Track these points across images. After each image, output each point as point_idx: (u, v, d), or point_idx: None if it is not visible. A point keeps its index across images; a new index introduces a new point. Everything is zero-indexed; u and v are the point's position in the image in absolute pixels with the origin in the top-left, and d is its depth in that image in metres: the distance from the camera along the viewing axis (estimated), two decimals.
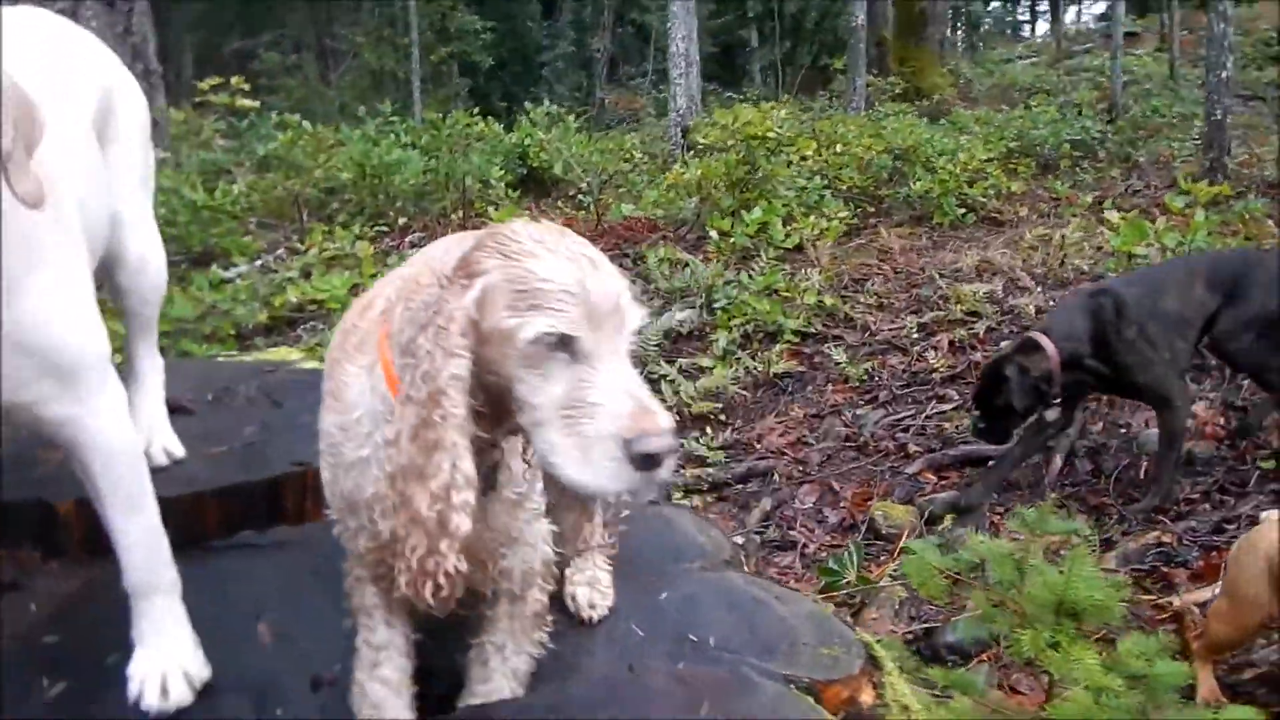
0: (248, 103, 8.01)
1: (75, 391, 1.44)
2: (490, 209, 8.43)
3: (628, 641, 1.75)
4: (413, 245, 7.89)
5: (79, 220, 1.55)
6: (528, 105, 10.67)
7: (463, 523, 1.17)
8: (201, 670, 1.57)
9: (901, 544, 3.62)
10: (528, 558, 1.44)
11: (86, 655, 1.61)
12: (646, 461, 1.10)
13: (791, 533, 4.11)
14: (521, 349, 1.14)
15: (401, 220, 8.42)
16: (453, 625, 1.46)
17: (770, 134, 7.75)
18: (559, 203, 8.91)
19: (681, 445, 1.21)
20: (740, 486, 4.44)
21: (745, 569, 2.07)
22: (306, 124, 8.43)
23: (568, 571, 1.81)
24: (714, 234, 7.09)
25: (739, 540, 4.04)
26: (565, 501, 1.45)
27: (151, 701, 1.51)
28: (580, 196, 8.80)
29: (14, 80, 1.30)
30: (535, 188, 9.49)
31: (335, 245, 6.84)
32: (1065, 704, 1.98)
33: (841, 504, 4.30)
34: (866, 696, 1.80)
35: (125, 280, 2.00)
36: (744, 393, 5.10)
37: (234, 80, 7.95)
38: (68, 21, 1.98)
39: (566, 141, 9.58)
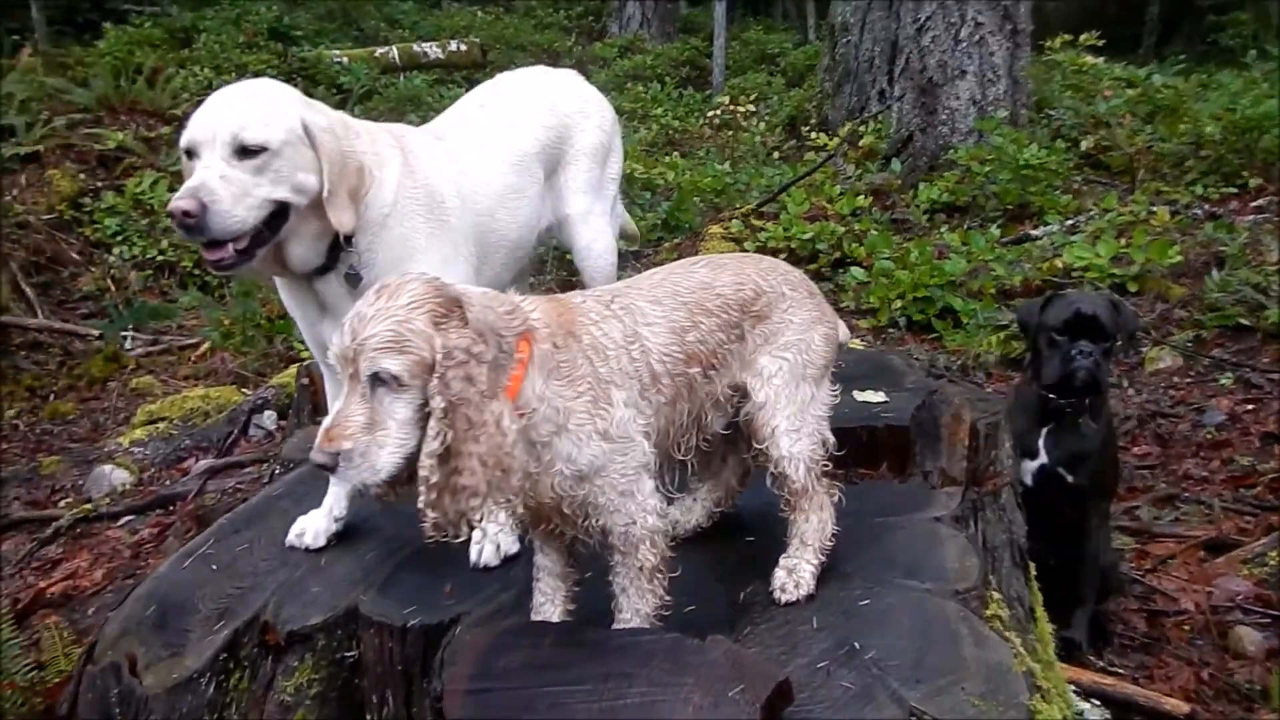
0: (1089, 59, 7.98)
1: None
2: None
3: (796, 627, 1.97)
4: (1257, 212, 7.14)
5: (469, 224, 2.34)
6: None
7: None
8: (511, 546, 2.30)
9: None
10: (619, 522, 1.84)
11: None
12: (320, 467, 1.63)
13: None
14: None
15: (1256, 183, 7.60)
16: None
17: None
18: None
19: (332, 458, 1.55)
20: None
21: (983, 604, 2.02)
22: (1158, 78, 8.04)
23: (781, 556, 2.10)
24: None
25: None
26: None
27: (472, 557, 2.32)
28: None
29: (342, 149, 2.16)
30: None
31: (1128, 211, 6.60)
32: None
33: None
34: None
35: (578, 262, 2.79)
36: None
37: (1084, 36, 7.98)
38: (556, 75, 2.81)
39: None
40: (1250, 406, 4.91)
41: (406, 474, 1.70)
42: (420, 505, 1.67)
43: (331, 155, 2.20)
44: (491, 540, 2.31)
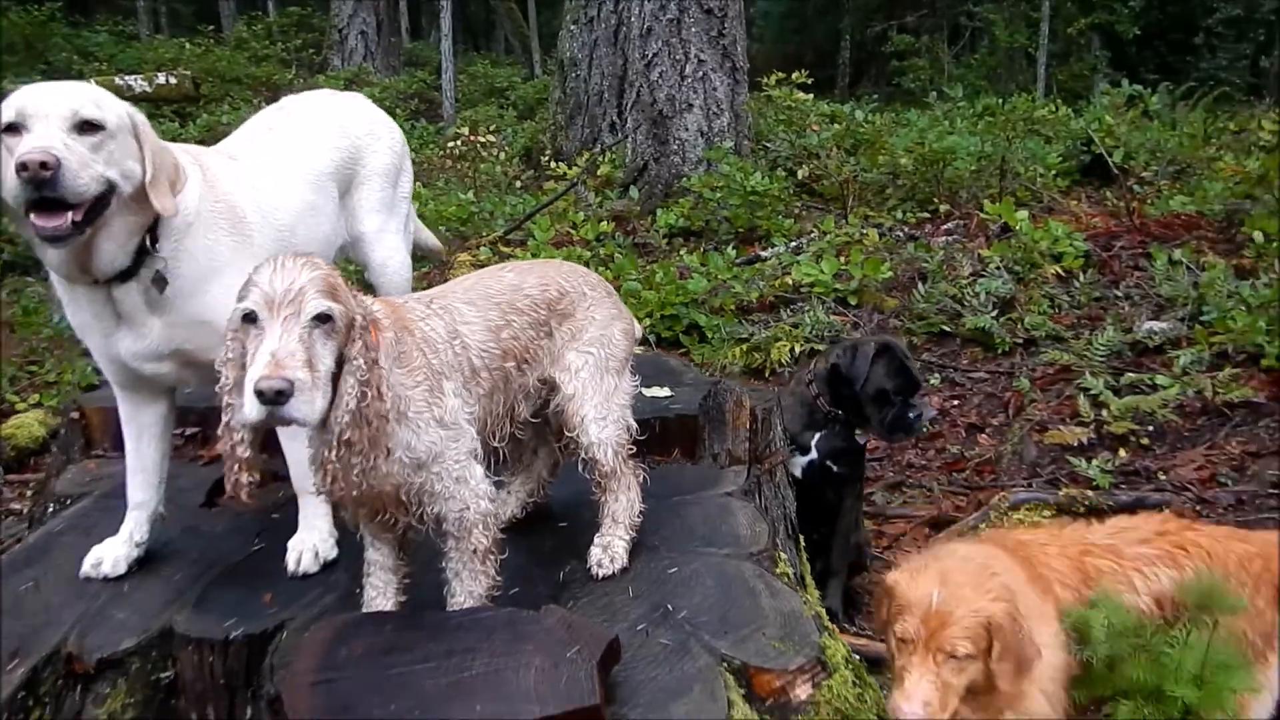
0: (801, 95, 8.77)
1: None
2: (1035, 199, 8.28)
3: (614, 597, 2.16)
4: (948, 234, 8.05)
5: (270, 240, 2.38)
6: (1105, 86, 9.98)
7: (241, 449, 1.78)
8: (330, 552, 2.34)
9: None
10: (454, 508, 1.96)
11: (283, 531, 2.48)
12: (262, 396, 1.60)
13: None
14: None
15: (945, 208, 8.58)
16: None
17: None
18: (1108, 192, 8.35)
19: (290, 384, 1.62)
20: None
21: (774, 563, 2.30)
22: (859, 114, 8.94)
23: (595, 534, 2.27)
24: (1258, 236, 6.26)
25: None
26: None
27: (290, 566, 2.33)
28: (1135, 186, 8.16)
29: (162, 144, 2.20)
30: (1100, 176, 8.95)
31: (843, 233, 7.30)
32: None
33: None
34: (801, 692, 1.99)
35: (372, 278, 2.87)
36: (1176, 418, 4.62)
37: (795, 75, 8.76)
38: (343, 98, 2.86)
39: (1134, 125, 8.86)
40: (956, 402, 5.59)
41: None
42: (327, 459, 1.75)
43: (154, 145, 2.21)
44: (310, 548, 2.34)
